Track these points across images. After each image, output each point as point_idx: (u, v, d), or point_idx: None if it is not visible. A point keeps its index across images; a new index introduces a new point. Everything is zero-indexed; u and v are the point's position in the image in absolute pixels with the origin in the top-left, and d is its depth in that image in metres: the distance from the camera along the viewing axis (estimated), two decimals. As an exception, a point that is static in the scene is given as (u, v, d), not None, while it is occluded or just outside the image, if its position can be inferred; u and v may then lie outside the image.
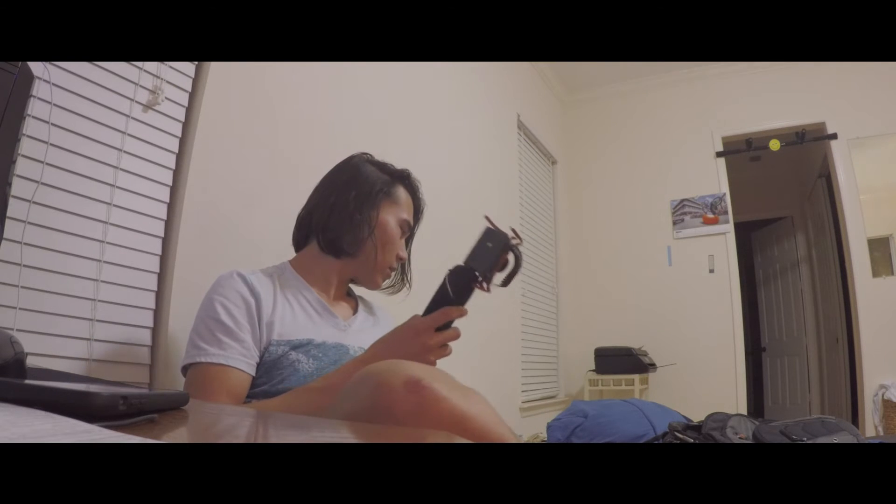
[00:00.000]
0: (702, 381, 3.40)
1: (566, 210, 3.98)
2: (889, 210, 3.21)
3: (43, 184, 0.90)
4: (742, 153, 3.74)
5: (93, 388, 0.34)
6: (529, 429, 2.88)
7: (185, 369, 0.86)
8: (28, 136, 0.88)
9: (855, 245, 3.24)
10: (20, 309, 0.86)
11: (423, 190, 1.10)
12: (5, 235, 0.82)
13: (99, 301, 0.98)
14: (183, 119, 1.16)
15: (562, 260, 3.78)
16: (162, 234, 1.10)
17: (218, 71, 1.23)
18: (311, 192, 1.05)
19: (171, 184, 1.12)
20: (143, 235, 1.07)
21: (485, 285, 0.78)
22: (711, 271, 3.55)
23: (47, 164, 0.91)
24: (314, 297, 0.98)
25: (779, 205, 4.95)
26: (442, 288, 0.78)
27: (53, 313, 0.92)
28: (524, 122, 3.27)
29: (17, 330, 0.85)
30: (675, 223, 3.71)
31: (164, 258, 1.10)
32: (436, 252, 1.56)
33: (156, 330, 1.08)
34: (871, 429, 3.02)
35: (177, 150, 1.14)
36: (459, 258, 0.80)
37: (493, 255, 0.77)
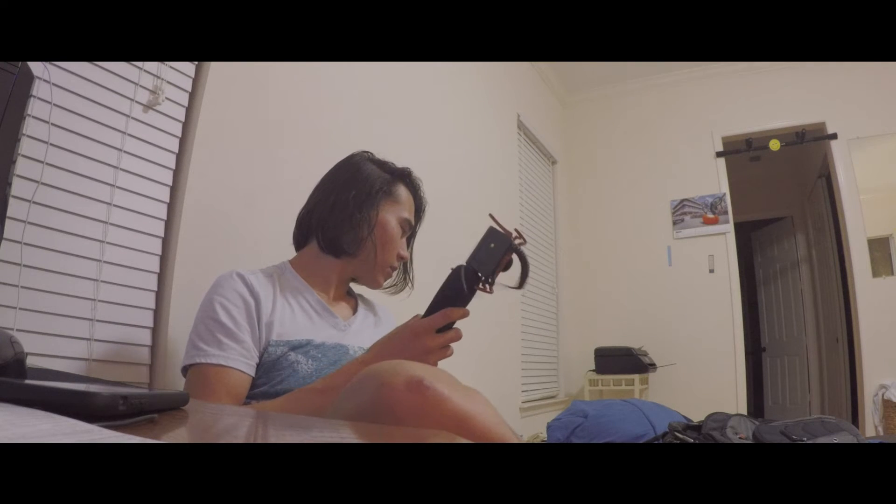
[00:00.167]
0: (702, 381, 3.40)
1: (566, 210, 3.98)
2: (889, 210, 3.21)
3: (43, 184, 0.90)
4: (742, 153, 3.74)
5: (93, 388, 0.34)
6: (529, 429, 2.88)
7: (186, 370, 0.86)
8: (28, 136, 0.88)
9: (855, 245, 3.24)
10: (20, 309, 0.86)
11: (423, 189, 1.10)
12: (5, 235, 0.82)
13: (99, 301, 0.98)
14: (183, 119, 1.16)
15: (562, 260, 3.78)
16: (162, 234, 1.10)
17: (218, 71, 1.23)
18: (312, 190, 1.05)
19: (171, 184, 1.12)
20: (143, 235, 1.07)
21: (487, 287, 0.77)
22: (711, 271, 3.55)
23: (47, 164, 0.91)
24: (314, 297, 0.98)
25: (779, 205, 4.95)
26: (443, 288, 0.78)
27: (53, 313, 0.91)
28: (524, 122, 3.27)
29: (17, 330, 0.85)
30: (675, 223, 3.71)
31: (164, 258, 1.10)
32: (436, 252, 1.56)
33: (156, 330, 1.07)
34: (871, 429, 3.02)
35: (177, 150, 1.14)
36: (459, 258, 0.80)
37: (496, 256, 0.76)
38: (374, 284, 1.04)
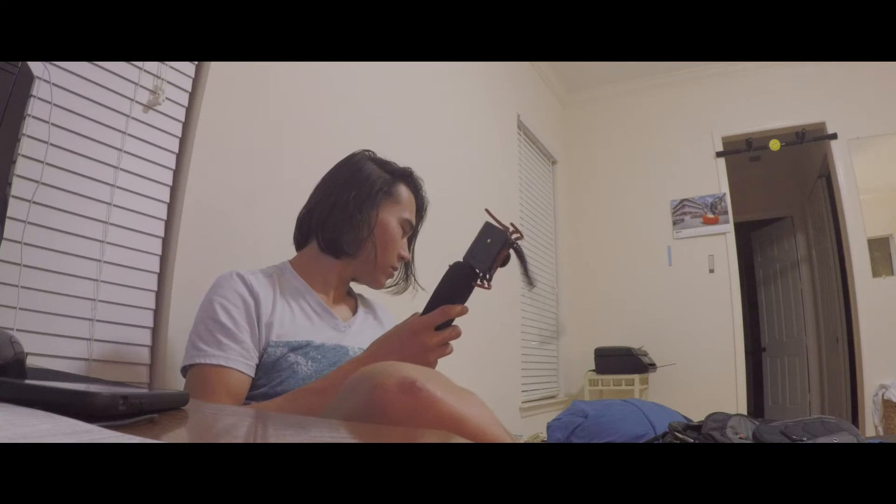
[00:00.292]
0: (702, 381, 3.40)
1: (566, 210, 3.98)
2: (889, 210, 3.21)
3: (43, 184, 0.90)
4: (742, 153, 3.74)
5: (93, 388, 0.34)
6: (529, 429, 2.88)
7: (185, 370, 0.86)
8: (28, 136, 0.88)
9: (855, 245, 3.24)
10: (20, 309, 0.86)
11: (425, 189, 1.10)
12: (5, 235, 0.82)
13: (99, 301, 0.98)
14: (183, 119, 1.16)
15: (562, 260, 3.78)
16: (162, 234, 1.10)
17: (218, 71, 1.23)
18: (313, 190, 1.04)
19: (171, 184, 1.12)
20: (143, 235, 1.07)
21: (485, 283, 0.77)
22: (711, 271, 3.55)
23: (47, 164, 0.91)
24: (314, 298, 0.98)
25: (779, 205, 4.95)
26: (441, 285, 0.78)
27: (53, 313, 0.91)
28: (524, 122, 3.27)
29: (17, 330, 0.85)
30: (675, 223, 3.71)
31: (164, 258, 1.10)
32: (436, 252, 1.56)
33: (156, 330, 1.07)
34: (871, 429, 3.02)
35: (177, 150, 1.14)
36: (459, 258, 0.80)
37: (492, 252, 0.76)
38: (376, 285, 1.04)
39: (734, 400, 3.31)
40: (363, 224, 0.96)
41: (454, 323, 0.78)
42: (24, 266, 0.87)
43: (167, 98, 1.12)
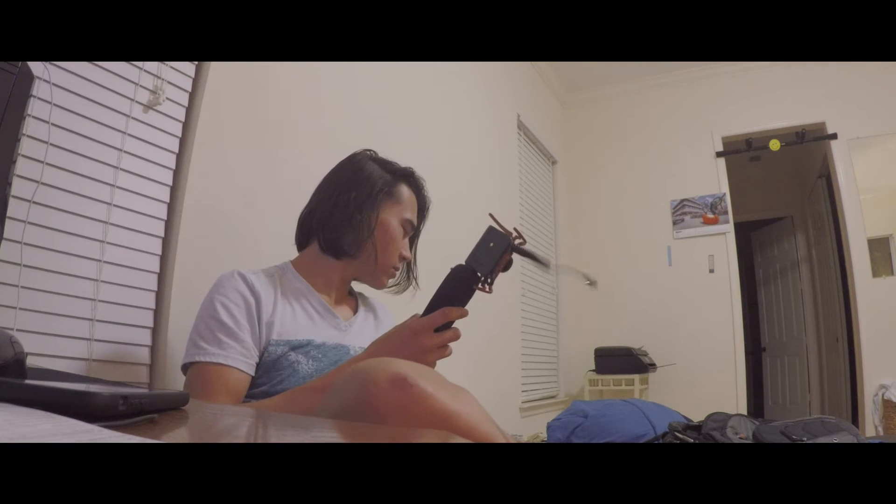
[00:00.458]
0: (702, 381, 3.40)
1: (566, 210, 3.98)
2: (889, 210, 3.21)
3: (43, 184, 0.90)
4: (742, 153, 3.74)
5: (93, 388, 0.34)
6: (529, 429, 2.88)
7: (186, 368, 0.87)
8: (28, 136, 0.88)
9: (855, 245, 3.24)
10: (20, 309, 0.86)
11: (427, 188, 1.10)
12: (5, 235, 0.82)
13: (99, 301, 0.98)
14: (183, 119, 1.16)
15: (562, 260, 3.78)
16: (162, 234, 1.10)
17: (218, 71, 1.23)
18: (314, 190, 1.04)
19: (171, 184, 1.12)
20: (143, 235, 1.07)
21: (486, 286, 0.77)
22: (711, 271, 3.55)
23: (47, 164, 0.91)
24: (315, 297, 0.98)
25: (779, 205, 4.95)
26: (442, 288, 0.78)
27: (53, 313, 0.91)
28: (524, 122, 3.27)
29: (17, 330, 0.85)
30: (675, 223, 3.71)
31: (164, 258, 1.10)
32: (436, 252, 1.56)
33: (156, 330, 1.07)
34: (871, 429, 3.02)
35: (177, 150, 1.14)
36: (459, 258, 0.80)
37: (494, 256, 0.76)
38: (378, 285, 1.04)
39: (734, 400, 3.31)
40: (363, 225, 0.96)
41: (454, 325, 0.78)
42: (24, 266, 0.87)
43: (167, 98, 1.12)
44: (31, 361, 0.48)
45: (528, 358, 3.06)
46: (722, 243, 3.56)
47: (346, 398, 0.52)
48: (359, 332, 1.00)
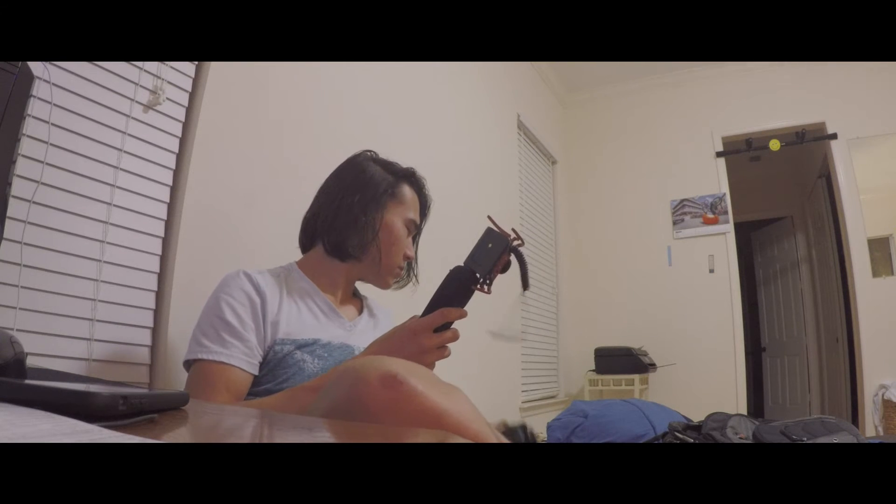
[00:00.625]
0: (702, 381, 3.40)
1: (566, 210, 3.98)
2: (889, 210, 3.21)
3: (43, 184, 0.90)
4: (742, 153, 3.74)
5: (93, 388, 0.34)
6: (529, 429, 2.88)
7: (188, 364, 0.87)
8: (28, 136, 0.88)
9: (855, 245, 3.24)
10: (20, 309, 0.86)
11: (428, 187, 1.10)
12: (5, 235, 0.82)
13: (99, 301, 0.98)
14: (183, 119, 1.16)
15: (562, 260, 3.78)
16: (162, 234, 1.10)
17: (218, 71, 1.23)
18: (317, 193, 1.05)
19: (171, 184, 1.12)
20: (143, 235, 1.07)
21: (485, 287, 0.77)
22: (711, 271, 3.55)
23: (47, 164, 0.91)
24: (321, 297, 0.99)
25: (779, 205, 4.95)
26: (441, 289, 0.78)
27: (53, 313, 0.91)
28: (524, 122, 3.27)
29: (17, 330, 0.85)
30: (675, 223, 3.71)
31: (164, 258, 1.10)
32: (436, 252, 1.56)
33: (156, 330, 1.08)
34: (871, 429, 3.02)
35: (177, 150, 1.14)
36: (459, 258, 0.80)
37: (493, 257, 0.76)
38: (383, 285, 1.05)
39: (734, 400, 3.31)
40: (368, 227, 0.97)
41: (453, 326, 0.78)
42: (24, 266, 0.87)
43: (167, 98, 1.12)
44: (31, 361, 0.48)
45: (528, 358, 3.06)
46: (722, 243, 3.56)
47: (338, 396, 0.52)
48: (363, 333, 1.01)
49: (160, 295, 1.09)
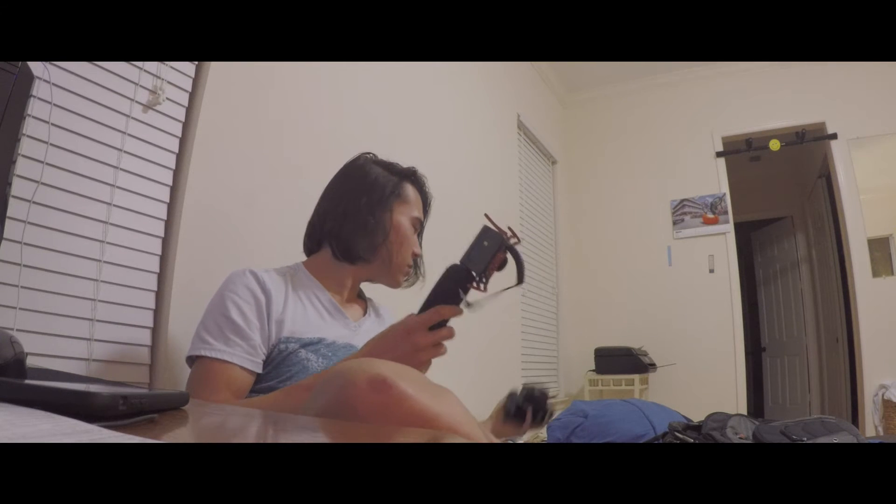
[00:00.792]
0: (702, 381, 3.40)
1: (566, 210, 3.98)
2: (889, 210, 3.21)
3: (43, 184, 0.90)
4: (742, 153, 3.74)
5: (93, 388, 0.34)
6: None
7: (191, 360, 0.87)
8: (28, 136, 0.88)
9: (855, 245, 3.24)
10: (20, 309, 0.86)
11: (428, 185, 1.11)
12: (5, 235, 0.82)
13: (99, 301, 0.98)
14: (183, 119, 1.16)
15: (562, 260, 3.78)
16: (162, 234, 1.10)
17: (218, 71, 1.23)
18: (320, 198, 1.05)
19: (171, 184, 1.12)
20: (143, 235, 1.07)
21: (481, 285, 0.77)
22: (711, 271, 3.55)
23: (47, 164, 0.91)
24: (326, 297, 0.99)
25: (779, 205, 4.95)
26: (437, 287, 0.78)
27: (53, 313, 0.91)
28: (524, 122, 3.27)
29: (17, 330, 0.85)
30: (675, 223, 3.71)
31: (164, 258, 1.10)
32: (436, 252, 1.56)
33: (156, 330, 1.08)
34: (871, 429, 3.02)
35: (177, 150, 1.14)
36: (459, 258, 0.80)
37: (489, 255, 0.76)
38: (395, 285, 1.05)
39: (734, 400, 3.31)
40: (378, 229, 0.98)
41: (449, 324, 0.78)
42: (24, 266, 0.87)
43: (167, 98, 1.12)
44: (31, 361, 0.48)
45: (528, 358, 3.06)
46: (722, 243, 3.56)
47: (327, 399, 0.52)
48: (368, 333, 1.01)
49: (160, 295, 1.09)
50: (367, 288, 1.13)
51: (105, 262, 0.99)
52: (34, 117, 0.89)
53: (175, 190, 1.13)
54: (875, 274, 3.19)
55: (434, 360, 0.80)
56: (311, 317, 0.94)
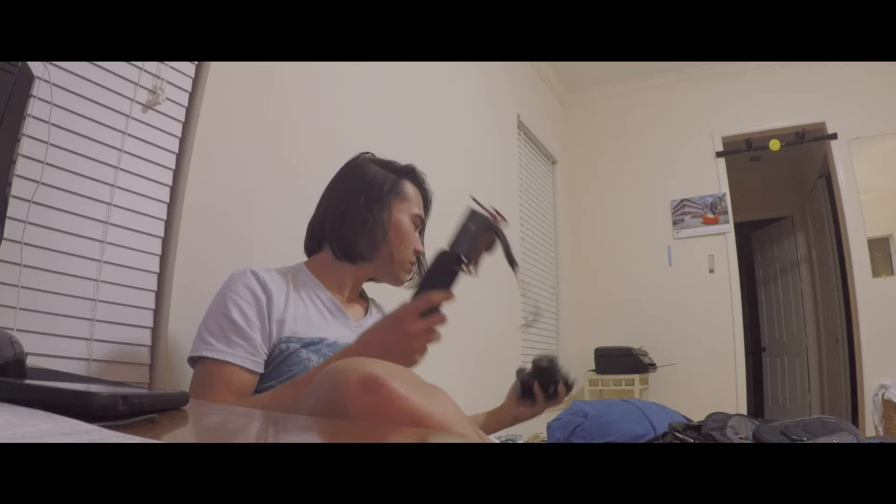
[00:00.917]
0: (702, 381, 3.40)
1: (566, 210, 3.97)
2: (889, 210, 3.21)
3: (43, 184, 0.90)
4: (742, 153, 3.74)
5: (93, 388, 0.34)
6: (529, 429, 2.88)
7: (193, 360, 0.88)
8: (28, 136, 0.88)
9: (855, 245, 3.24)
10: (20, 309, 0.86)
11: (428, 182, 1.10)
12: (5, 235, 0.82)
13: (99, 301, 0.98)
14: (183, 119, 1.16)
15: (562, 260, 3.78)
16: (162, 234, 1.10)
17: (218, 71, 1.23)
18: (319, 199, 1.05)
19: (171, 184, 1.12)
20: (143, 235, 1.07)
21: (469, 268, 0.77)
22: (711, 271, 3.55)
23: (47, 164, 0.91)
24: (328, 297, 0.99)
25: (779, 205, 4.95)
26: (427, 273, 0.78)
27: (53, 313, 0.91)
28: (524, 122, 3.27)
29: (17, 330, 0.85)
30: (675, 223, 3.71)
31: (164, 258, 1.10)
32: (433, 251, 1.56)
33: (156, 330, 1.07)
34: (871, 429, 3.02)
35: (177, 150, 1.14)
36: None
37: (475, 237, 0.76)
38: (398, 283, 1.05)
39: (734, 400, 3.31)
40: (377, 227, 0.98)
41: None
42: (24, 266, 0.87)
43: (167, 98, 1.12)
44: (31, 361, 0.48)
45: (529, 358, 3.05)
46: (722, 243, 3.56)
47: (318, 398, 0.52)
48: None
49: (160, 295, 1.09)
50: (371, 288, 1.13)
51: (105, 262, 0.99)
52: (34, 117, 0.89)
53: (175, 190, 1.13)
54: (875, 274, 3.19)
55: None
56: (313, 317, 0.94)
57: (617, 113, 4.06)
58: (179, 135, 1.15)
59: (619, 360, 3.24)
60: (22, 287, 0.86)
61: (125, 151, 1.04)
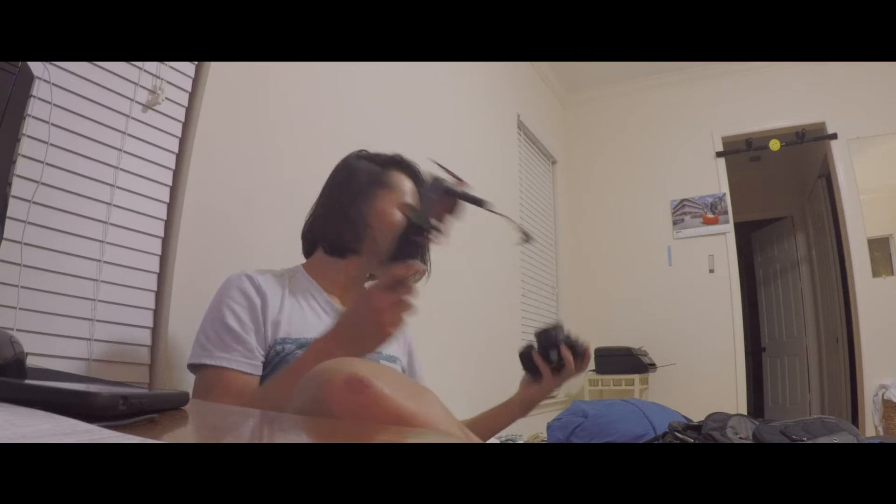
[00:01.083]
0: (702, 381, 3.40)
1: (566, 210, 3.97)
2: (889, 210, 3.21)
3: (43, 184, 0.90)
4: (742, 153, 3.74)
5: (93, 388, 0.34)
6: (529, 429, 2.88)
7: (193, 367, 0.88)
8: (28, 136, 0.88)
9: (855, 245, 3.24)
10: (20, 309, 0.86)
11: (423, 170, 1.09)
12: (5, 235, 0.82)
13: (99, 301, 0.98)
14: (183, 119, 1.16)
15: (562, 260, 3.78)
16: (162, 234, 1.10)
17: (218, 71, 1.23)
18: (315, 200, 1.06)
19: (171, 184, 1.12)
20: (143, 235, 1.07)
21: (430, 235, 0.74)
22: (711, 271, 3.55)
23: (47, 164, 0.91)
24: (324, 298, 0.99)
25: (779, 205, 4.95)
26: (393, 248, 0.76)
27: (53, 313, 0.91)
28: (524, 122, 3.27)
29: (17, 330, 0.85)
30: (675, 223, 3.71)
31: (164, 258, 1.10)
32: (438, 250, 1.56)
33: (156, 330, 1.08)
34: (871, 429, 3.02)
35: (177, 150, 1.14)
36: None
37: (431, 203, 0.74)
38: None
39: (734, 400, 3.31)
40: (359, 219, 0.98)
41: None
42: (24, 266, 0.87)
43: (167, 98, 1.12)
44: (31, 361, 0.48)
45: (528, 358, 3.05)
46: (722, 243, 3.56)
47: (304, 399, 0.52)
48: None
49: (160, 295, 1.09)
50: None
51: (105, 262, 0.99)
52: (34, 117, 0.89)
53: (175, 190, 1.13)
54: (875, 274, 3.19)
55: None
56: (308, 317, 0.94)
57: (617, 113, 4.06)
58: (179, 135, 1.15)
59: (619, 360, 3.24)
60: (22, 287, 0.86)
61: (125, 151, 1.04)
